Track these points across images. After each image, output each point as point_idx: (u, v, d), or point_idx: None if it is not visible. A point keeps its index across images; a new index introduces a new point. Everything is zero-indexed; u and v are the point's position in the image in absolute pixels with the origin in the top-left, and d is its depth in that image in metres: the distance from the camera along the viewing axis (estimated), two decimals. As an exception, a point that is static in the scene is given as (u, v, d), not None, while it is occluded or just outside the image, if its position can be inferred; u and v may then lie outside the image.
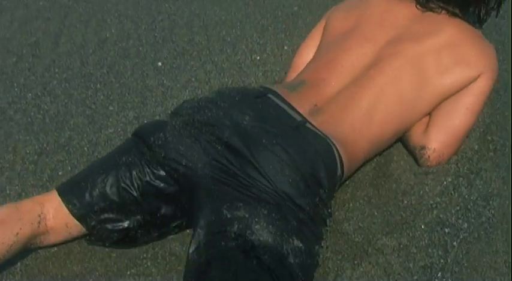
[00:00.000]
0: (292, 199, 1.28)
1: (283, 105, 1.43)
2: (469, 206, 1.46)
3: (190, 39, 2.09)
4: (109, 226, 1.41)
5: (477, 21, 1.61)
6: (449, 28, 1.54)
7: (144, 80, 1.95)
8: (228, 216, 1.26)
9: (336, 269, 1.36)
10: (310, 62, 1.68)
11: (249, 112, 1.38)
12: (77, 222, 1.40)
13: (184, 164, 1.34)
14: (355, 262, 1.37)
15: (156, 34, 2.16)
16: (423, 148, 1.55)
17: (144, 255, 1.42)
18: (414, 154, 1.58)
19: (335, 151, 1.37)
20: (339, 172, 1.40)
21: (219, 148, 1.33)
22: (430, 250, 1.38)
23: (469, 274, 1.34)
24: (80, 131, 1.76)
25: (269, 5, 2.24)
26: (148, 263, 1.39)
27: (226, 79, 1.93)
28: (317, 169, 1.33)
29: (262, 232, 1.24)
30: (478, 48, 1.54)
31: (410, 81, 1.49)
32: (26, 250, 1.42)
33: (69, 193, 1.41)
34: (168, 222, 1.44)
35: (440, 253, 1.38)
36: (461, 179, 1.53)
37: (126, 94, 1.88)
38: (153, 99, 1.84)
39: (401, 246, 1.40)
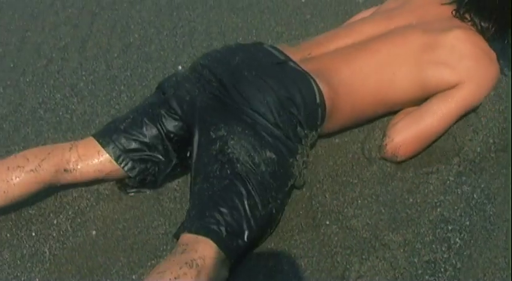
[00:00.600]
0: (267, 118, 1.44)
1: (273, 51, 1.59)
2: (471, 205, 1.46)
3: (208, 44, 2.09)
4: (137, 164, 1.53)
5: (497, 38, 1.64)
6: (460, 32, 1.58)
7: (165, 83, 1.96)
8: (213, 136, 1.43)
9: (344, 263, 1.37)
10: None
11: (240, 54, 1.57)
12: (107, 160, 1.51)
13: (187, 99, 1.52)
14: (363, 256, 1.37)
15: (176, 39, 2.16)
16: (386, 135, 1.60)
17: (164, 247, 1.43)
18: (382, 141, 1.61)
19: (313, 82, 1.49)
20: (318, 100, 1.49)
21: (214, 84, 1.51)
22: (434, 246, 1.38)
23: (470, 268, 1.34)
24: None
25: (283, 13, 2.24)
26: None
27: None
28: (293, 95, 1.47)
29: (236, 146, 1.40)
30: (475, 61, 1.57)
31: (402, 59, 1.56)
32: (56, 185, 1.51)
33: (103, 136, 1.54)
34: (182, 160, 1.57)
35: (443, 248, 1.38)
36: (464, 178, 1.53)
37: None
38: None
39: (407, 242, 1.40)
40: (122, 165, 1.51)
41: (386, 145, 1.57)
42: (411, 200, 1.49)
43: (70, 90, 1.93)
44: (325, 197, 1.53)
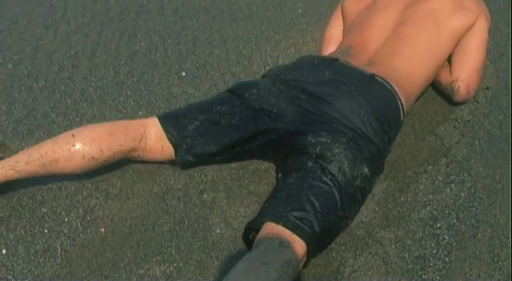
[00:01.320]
0: (365, 134, 1.40)
1: (353, 66, 1.56)
2: (458, 203, 1.47)
3: (210, 52, 2.09)
4: (193, 155, 1.54)
5: None
6: None
7: (170, 88, 1.94)
8: (312, 141, 1.39)
9: (339, 258, 1.37)
10: (346, 32, 1.86)
11: (328, 70, 1.53)
12: (170, 146, 1.54)
13: (275, 112, 1.49)
14: (357, 252, 1.37)
15: (180, 47, 2.15)
16: (452, 82, 1.69)
17: (169, 243, 1.43)
18: (447, 92, 1.72)
19: (397, 98, 1.51)
20: (402, 117, 1.54)
21: (303, 97, 1.47)
22: (423, 242, 1.39)
23: (457, 263, 1.34)
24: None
25: (281, 22, 2.24)
26: (172, 251, 1.40)
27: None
28: (387, 113, 1.47)
29: (340, 155, 1.35)
30: (476, 1, 1.72)
31: (431, 29, 1.65)
32: (127, 160, 1.59)
33: (169, 122, 1.54)
34: (240, 157, 1.60)
35: (432, 244, 1.38)
36: (451, 178, 1.53)
37: (154, 101, 1.89)
38: (177, 105, 1.83)
39: (398, 238, 1.40)
40: (180, 157, 1.55)
41: (458, 86, 1.68)
42: (402, 199, 1.49)
43: (80, 95, 1.92)
44: None
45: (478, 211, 1.44)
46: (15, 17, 2.40)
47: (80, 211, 1.53)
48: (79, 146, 1.45)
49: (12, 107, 1.89)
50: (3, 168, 1.44)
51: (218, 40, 2.16)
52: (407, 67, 1.60)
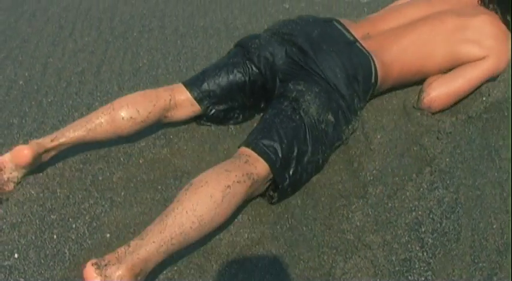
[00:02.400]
0: (337, 88, 1.56)
1: (342, 30, 1.71)
2: (442, 209, 1.47)
3: None
4: (217, 107, 1.72)
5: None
6: (485, 17, 1.76)
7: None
8: (291, 87, 1.57)
9: (330, 261, 1.38)
10: (384, 9, 1.98)
11: (317, 29, 1.69)
12: (197, 103, 1.69)
13: (271, 60, 1.66)
14: (347, 255, 1.38)
15: (180, 64, 2.16)
16: (424, 91, 1.77)
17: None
18: (419, 96, 1.79)
19: (372, 65, 1.64)
20: (373, 80, 1.66)
21: (294, 49, 1.64)
22: (409, 246, 1.40)
23: (441, 265, 1.35)
24: (117, 144, 1.76)
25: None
26: (173, 256, 1.36)
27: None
28: (357, 73, 1.61)
29: (310, 101, 1.52)
30: (496, 40, 1.74)
31: (440, 38, 1.72)
32: (160, 123, 1.71)
33: (191, 83, 1.71)
34: (256, 106, 1.78)
35: (417, 248, 1.39)
36: (435, 185, 1.54)
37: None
38: None
39: (386, 242, 1.41)
40: (205, 109, 1.71)
41: (423, 98, 1.75)
42: (390, 204, 1.50)
43: (86, 109, 1.92)
44: (321, 201, 1.54)
45: (460, 216, 1.45)
46: (26, 36, 2.41)
47: (87, 218, 1.53)
48: (118, 109, 1.60)
49: (23, 121, 1.89)
50: (57, 139, 1.57)
51: (216, 57, 2.17)
52: (396, 53, 1.70)
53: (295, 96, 1.54)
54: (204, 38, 2.33)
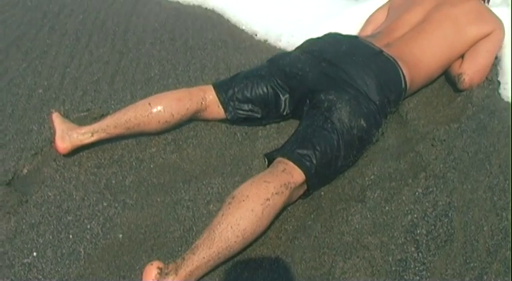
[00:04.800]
0: (368, 95, 1.58)
1: (367, 43, 1.76)
2: (436, 212, 1.47)
3: (216, 78, 2.09)
4: (240, 111, 1.75)
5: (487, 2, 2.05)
6: (472, 1, 1.90)
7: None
8: (322, 97, 1.59)
9: (330, 261, 1.38)
10: (384, 20, 2.03)
11: (345, 44, 1.75)
12: (222, 107, 1.74)
13: (300, 74, 1.69)
14: (346, 256, 1.38)
15: (190, 74, 2.17)
16: (460, 74, 1.84)
17: (179, 248, 1.44)
18: (454, 80, 1.87)
19: (400, 71, 1.68)
20: (403, 85, 1.70)
21: (324, 64, 1.67)
22: (405, 247, 1.40)
23: (435, 265, 1.35)
24: (129, 150, 1.78)
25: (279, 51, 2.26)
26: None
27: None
28: (388, 80, 1.65)
29: (342, 108, 1.54)
30: (491, 15, 1.91)
31: (449, 29, 1.82)
32: (192, 120, 1.78)
33: (220, 86, 1.75)
34: (277, 115, 1.79)
35: (413, 249, 1.39)
36: (430, 189, 1.54)
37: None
38: (187, 126, 1.84)
39: (383, 244, 1.41)
40: (229, 113, 1.75)
41: (464, 80, 1.83)
42: (387, 208, 1.50)
43: (101, 116, 1.92)
44: (322, 204, 1.54)
45: (453, 219, 1.45)
46: (46, 48, 2.42)
47: (101, 219, 1.54)
48: (155, 113, 1.66)
49: (42, 127, 1.90)
50: (97, 132, 1.68)
51: (223, 68, 2.18)
52: (417, 53, 1.76)
53: (327, 106, 1.55)
54: (212, 49, 2.33)
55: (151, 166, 1.72)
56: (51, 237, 1.50)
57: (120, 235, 1.49)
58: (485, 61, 1.86)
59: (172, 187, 1.63)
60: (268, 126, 1.82)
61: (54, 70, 2.25)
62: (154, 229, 1.51)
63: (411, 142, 1.72)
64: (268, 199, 1.33)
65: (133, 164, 1.73)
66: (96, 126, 1.68)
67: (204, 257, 1.28)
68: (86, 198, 1.61)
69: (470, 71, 1.83)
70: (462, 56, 1.89)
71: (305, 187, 1.48)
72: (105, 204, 1.59)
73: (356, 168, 1.63)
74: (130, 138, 1.80)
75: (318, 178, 1.48)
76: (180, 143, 1.79)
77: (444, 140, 1.68)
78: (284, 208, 1.46)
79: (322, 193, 1.57)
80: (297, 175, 1.42)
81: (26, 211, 1.58)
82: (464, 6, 1.87)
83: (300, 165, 1.44)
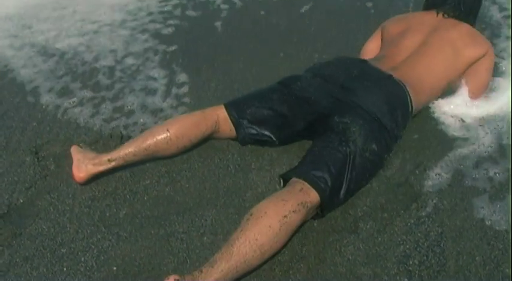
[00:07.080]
0: (380, 120, 1.66)
1: (377, 67, 1.83)
2: (428, 242, 1.50)
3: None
4: (251, 131, 1.82)
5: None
6: (463, 25, 2.04)
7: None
8: (337, 120, 1.65)
9: None
10: (382, 47, 2.15)
11: (356, 68, 1.81)
12: (234, 127, 1.82)
13: (313, 99, 1.75)
14: None
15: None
16: (466, 93, 2.01)
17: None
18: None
19: (407, 95, 1.77)
20: (410, 109, 1.79)
21: (336, 89, 1.74)
22: (398, 278, 1.42)
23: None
24: (123, 182, 1.79)
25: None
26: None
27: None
28: (397, 104, 1.74)
29: (356, 132, 1.61)
30: (482, 37, 2.06)
31: (449, 52, 1.95)
32: (205, 140, 1.85)
33: (232, 108, 1.82)
34: (287, 137, 1.85)
35: (406, 279, 1.41)
36: (422, 220, 1.57)
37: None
38: (180, 158, 1.86)
39: (376, 274, 1.43)
40: (239, 134, 1.83)
41: (470, 97, 2.01)
42: (380, 239, 1.53)
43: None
44: (315, 236, 1.56)
45: (445, 249, 1.48)
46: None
47: (95, 252, 1.55)
48: (173, 140, 1.75)
49: (36, 160, 1.92)
50: (115, 160, 1.73)
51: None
52: (422, 75, 1.87)
53: (341, 129, 1.63)
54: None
55: (145, 198, 1.73)
56: (45, 270, 1.50)
57: (114, 268, 1.50)
58: (486, 79, 2.04)
59: (166, 219, 1.65)
60: (260, 158, 1.85)
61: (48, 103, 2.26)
62: (148, 261, 1.51)
63: (403, 173, 1.76)
64: (285, 216, 1.40)
65: (127, 196, 1.75)
66: (114, 154, 1.73)
67: (222, 270, 1.32)
68: (80, 231, 1.62)
69: (474, 89, 2.01)
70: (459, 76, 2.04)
71: (317, 208, 1.54)
72: (99, 236, 1.60)
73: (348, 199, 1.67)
74: (124, 170, 1.83)
75: (332, 200, 1.55)
76: (174, 175, 1.82)
77: (439, 174, 1.73)
78: (300, 227, 1.51)
79: (315, 224, 1.60)
80: (313, 196, 1.50)
81: (19, 243, 1.59)
82: (458, 30, 2.01)
83: (316, 187, 1.51)
